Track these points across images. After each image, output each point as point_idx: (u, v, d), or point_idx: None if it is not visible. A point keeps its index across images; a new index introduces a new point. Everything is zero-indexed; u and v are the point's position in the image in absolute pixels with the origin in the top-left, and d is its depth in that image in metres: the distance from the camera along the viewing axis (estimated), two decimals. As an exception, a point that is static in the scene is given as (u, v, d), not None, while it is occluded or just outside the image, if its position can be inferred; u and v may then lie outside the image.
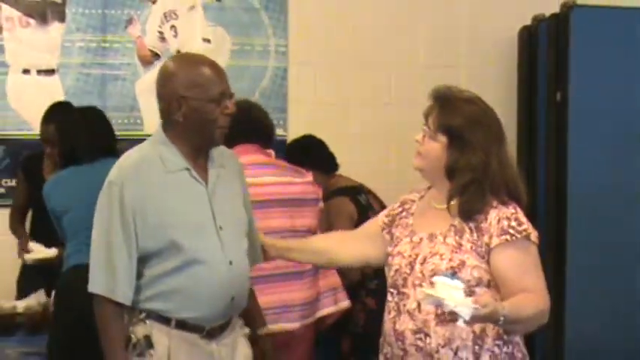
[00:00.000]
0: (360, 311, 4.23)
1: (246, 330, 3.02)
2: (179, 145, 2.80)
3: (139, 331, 2.76)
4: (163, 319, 2.77)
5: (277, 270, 3.64)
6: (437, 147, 2.70)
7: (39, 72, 5.16)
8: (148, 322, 2.76)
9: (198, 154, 2.83)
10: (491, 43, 5.32)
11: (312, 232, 3.81)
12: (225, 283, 2.80)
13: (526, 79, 5.08)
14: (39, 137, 4.65)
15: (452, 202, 2.69)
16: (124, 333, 2.76)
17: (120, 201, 2.73)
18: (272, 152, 3.89)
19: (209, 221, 2.80)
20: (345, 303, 3.91)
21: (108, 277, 2.73)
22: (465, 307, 2.33)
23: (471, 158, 2.65)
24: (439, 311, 2.58)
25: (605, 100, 4.43)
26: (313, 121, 5.12)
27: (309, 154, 4.38)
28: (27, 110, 5.03)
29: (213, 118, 2.78)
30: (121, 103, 5.08)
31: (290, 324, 3.68)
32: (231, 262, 2.81)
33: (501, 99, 5.20)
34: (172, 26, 5.23)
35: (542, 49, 4.82)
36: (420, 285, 2.62)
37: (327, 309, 3.84)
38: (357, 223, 4.26)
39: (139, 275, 2.76)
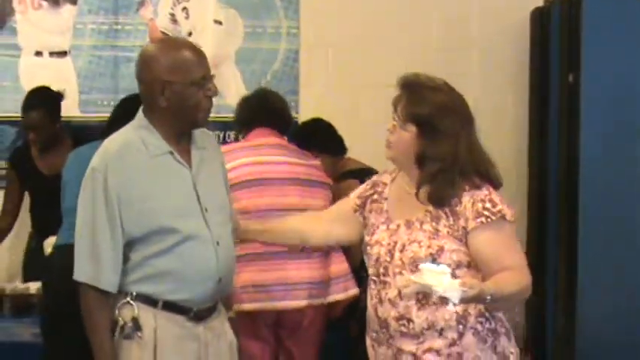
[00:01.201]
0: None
1: (230, 313, 3.03)
2: (161, 129, 2.78)
3: (127, 313, 2.74)
4: (150, 301, 2.75)
5: (284, 248, 3.66)
6: (407, 136, 2.72)
7: (51, 54, 5.18)
8: (134, 303, 2.74)
9: (180, 137, 2.81)
10: (504, 24, 5.29)
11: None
12: (212, 264, 2.79)
13: (538, 61, 5.05)
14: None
15: (421, 190, 2.71)
16: (110, 321, 2.74)
17: (104, 188, 2.70)
18: (285, 137, 3.98)
19: (194, 204, 2.79)
20: (354, 290, 3.95)
21: (93, 265, 2.72)
22: (453, 290, 2.38)
23: (441, 147, 2.67)
24: (420, 296, 2.61)
25: (618, 81, 4.40)
26: (325, 104, 5.11)
27: (317, 137, 4.40)
28: (39, 92, 5.04)
29: (196, 101, 2.76)
30: (133, 85, 5.00)
31: (296, 302, 3.74)
32: (218, 243, 2.80)
33: (513, 81, 5.20)
34: (184, 8, 5.22)
35: (555, 31, 4.79)
36: (401, 273, 2.66)
37: (337, 295, 3.89)
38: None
39: (125, 259, 2.75)
